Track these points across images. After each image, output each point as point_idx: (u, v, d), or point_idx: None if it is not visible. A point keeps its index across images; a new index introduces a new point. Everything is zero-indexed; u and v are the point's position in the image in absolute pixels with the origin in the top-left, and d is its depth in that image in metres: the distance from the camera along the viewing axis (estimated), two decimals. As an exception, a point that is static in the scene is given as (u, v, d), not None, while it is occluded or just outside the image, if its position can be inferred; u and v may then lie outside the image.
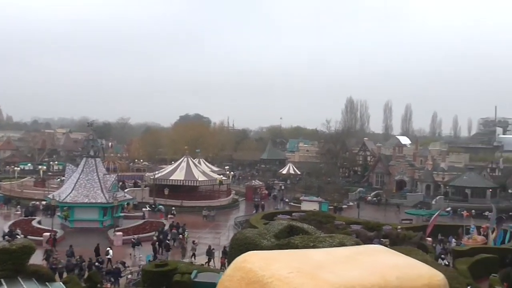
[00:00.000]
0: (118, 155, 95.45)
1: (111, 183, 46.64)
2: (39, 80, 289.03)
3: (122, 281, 28.85)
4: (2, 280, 19.91)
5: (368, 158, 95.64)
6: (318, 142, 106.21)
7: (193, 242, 36.51)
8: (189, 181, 62.96)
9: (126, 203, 50.38)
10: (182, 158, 67.20)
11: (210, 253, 34.07)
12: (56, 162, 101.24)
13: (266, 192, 73.13)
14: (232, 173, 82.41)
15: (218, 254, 34.23)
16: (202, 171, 66.46)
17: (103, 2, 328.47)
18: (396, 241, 36.41)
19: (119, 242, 38.55)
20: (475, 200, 69.22)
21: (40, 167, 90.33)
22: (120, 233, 40.36)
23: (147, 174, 70.49)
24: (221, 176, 68.56)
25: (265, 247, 23.51)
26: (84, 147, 51.02)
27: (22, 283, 20.37)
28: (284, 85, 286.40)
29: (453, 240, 41.41)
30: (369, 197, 74.28)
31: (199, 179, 63.59)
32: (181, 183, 62.54)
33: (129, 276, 29.21)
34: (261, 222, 40.69)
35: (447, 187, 74.27)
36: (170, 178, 63.06)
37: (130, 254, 35.56)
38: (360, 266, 4.10)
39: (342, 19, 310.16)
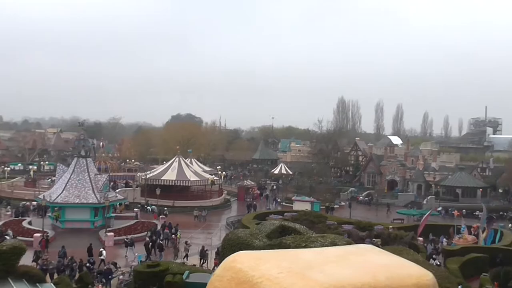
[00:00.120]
0: (110, 155, 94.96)
1: (103, 183, 46.44)
2: (30, 79, 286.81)
3: (114, 281, 28.72)
4: (-8, 281, 19.82)
5: (360, 158, 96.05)
6: (310, 142, 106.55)
7: (186, 242, 36.43)
8: (181, 181, 62.83)
9: (118, 203, 50.21)
10: (174, 158, 67.07)
11: (203, 254, 33.97)
12: (46, 162, 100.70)
13: (258, 192, 73.18)
14: (224, 173, 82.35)
15: (211, 255, 34.16)
16: (194, 171, 66.35)
17: (92, 1, 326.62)
18: (387, 241, 36.55)
19: (110, 243, 38.39)
20: (466, 199, 69.70)
21: (30, 167, 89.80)
22: (112, 233, 40.18)
23: (139, 174, 70.28)
24: (213, 176, 68.51)
25: (257, 247, 23.51)
26: (75, 147, 50.79)
27: (12, 284, 20.27)
28: (276, 85, 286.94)
29: (444, 239, 41.64)
30: (361, 197, 74.56)
31: (191, 179, 63.50)
32: (173, 183, 62.39)
33: (121, 277, 29.09)
34: (253, 222, 40.70)
35: (438, 187, 74.73)
36: (162, 178, 62.89)
37: (126, 256, 35.46)
38: (350, 265, 4.11)
39: (334, 20, 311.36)
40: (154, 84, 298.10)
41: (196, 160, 78.78)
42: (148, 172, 67.75)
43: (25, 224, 43.90)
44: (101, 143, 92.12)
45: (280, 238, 24.68)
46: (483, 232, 40.56)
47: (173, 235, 40.33)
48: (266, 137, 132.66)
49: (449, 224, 47.96)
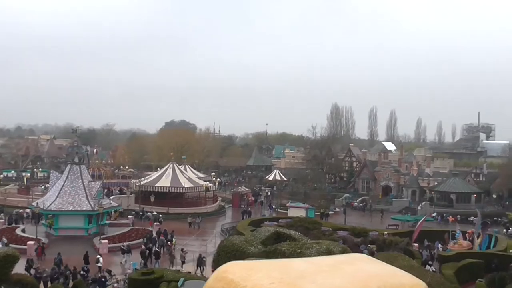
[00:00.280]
0: (103, 161, 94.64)
1: (96, 190, 46.25)
2: (23, 85, 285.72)
3: (108, 289, 28.56)
4: (-15, 290, 19.68)
5: (354, 164, 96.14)
6: (304, 148, 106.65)
7: (182, 250, 36.26)
8: (175, 188, 62.68)
9: (113, 210, 49.99)
10: (168, 165, 66.95)
11: (201, 262, 33.61)
12: (40, 169, 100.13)
13: (253, 198, 73.10)
14: (218, 179, 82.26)
15: (209, 262, 33.83)
16: (188, 178, 66.23)
17: (84, 7, 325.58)
18: (383, 247, 36.61)
19: (104, 250, 38.19)
20: (460, 205, 69.88)
21: (24, 174, 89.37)
22: (106, 241, 39.99)
23: (133, 181, 70.07)
24: (207, 182, 68.38)
25: (252, 254, 23.47)
26: (68, 153, 50.47)
27: (5, 292, 20.11)
28: (270, 91, 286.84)
29: (439, 245, 41.62)
30: (355, 203, 74.57)
31: (185, 186, 63.35)
32: (167, 190, 62.23)
33: (115, 285, 28.92)
34: (248, 228, 40.61)
35: (433, 192, 74.87)
36: (156, 185, 62.71)
37: (121, 263, 35.25)
38: (342, 275, 4.10)
39: (328, 26, 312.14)
40: (148, 90, 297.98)
41: (190, 167, 78.69)
42: (142, 178, 67.55)
43: (18, 231, 43.54)
44: (95, 150, 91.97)
45: (275, 245, 24.66)
46: (478, 237, 40.60)
47: (169, 242, 40.20)
48: (260, 143, 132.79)
49: (444, 229, 48.00)
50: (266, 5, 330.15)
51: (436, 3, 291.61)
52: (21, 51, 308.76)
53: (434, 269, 32.35)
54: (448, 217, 60.88)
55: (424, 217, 48.38)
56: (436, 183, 76.18)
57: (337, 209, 67.79)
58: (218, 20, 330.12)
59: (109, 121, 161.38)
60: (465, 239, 42.45)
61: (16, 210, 54.35)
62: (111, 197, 56.82)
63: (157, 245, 39.07)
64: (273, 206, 68.50)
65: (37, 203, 45.65)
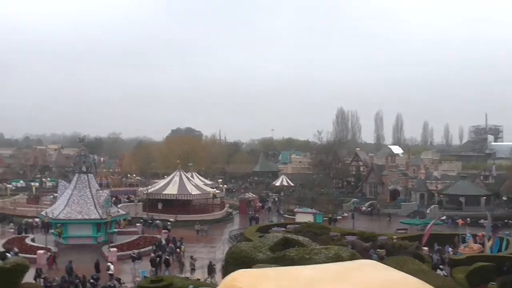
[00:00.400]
0: (110, 170, 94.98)
1: (104, 199, 46.37)
2: (30, 95, 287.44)
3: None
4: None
5: (361, 168, 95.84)
6: (310, 153, 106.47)
7: (191, 257, 36.22)
8: (183, 195, 62.75)
9: (122, 218, 50.10)
10: (175, 172, 67.05)
11: (211, 269, 33.41)
12: (48, 179, 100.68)
13: (260, 204, 72.99)
14: (225, 186, 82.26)
15: (219, 269, 33.70)
16: (195, 185, 66.28)
17: (85, 13, 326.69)
18: (392, 251, 36.37)
19: (113, 258, 38.21)
20: (470, 208, 69.32)
21: (32, 184, 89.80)
22: (115, 249, 40.05)
23: (140, 189, 70.21)
24: (214, 189, 68.41)
25: (261, 260, 23.40)
26: (76, 162, 50.73)
27: (15, 302, 20.16)
28: (275, 97, 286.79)
29: (450, 249, 41.29)
30: (364, 208, 74.24)
31: (192, 193, 63.39)
32: (175, 198, 62.31)
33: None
34: (256, 235, 40.48)
35: (441, 195, 74.43)
36: (163, 192, 62.82)
37: (133, 270, 35.27)
38: (351, 282, 4.07)
39: (333, 31, 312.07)
40: (153, 99, 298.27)
41: (197, 174, 78.74)
42: (149, 186, 67.70)
43: (28, 241, 43.77)
44: (102, 159, 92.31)
45: (283, 251, 24.59)
46: (488, 240, 40.26)
47: (178, 249, 40.22)
48: (266, 149, 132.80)
49: (454, 233, 47.62)
50: (265, 6, 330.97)
51: (439, 4, 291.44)
52: (27, 58, 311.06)
53: (445, 273, 32.10)
54: (457, 220, 60.49)
55: (433, 221, 48.05)
56: (444, 186, 75.77)
57: (345, 214, 67.52)
58: (222, 28, 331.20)
59: (116, 130, 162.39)
60: (475, 242, 42.10)
61: (26, 219, 54.57)
62: (119, 205, 56.94)
63: (167, 253, 39.08)
64: (281, 212, 68.38)
65: (46, 212, 45.77)
